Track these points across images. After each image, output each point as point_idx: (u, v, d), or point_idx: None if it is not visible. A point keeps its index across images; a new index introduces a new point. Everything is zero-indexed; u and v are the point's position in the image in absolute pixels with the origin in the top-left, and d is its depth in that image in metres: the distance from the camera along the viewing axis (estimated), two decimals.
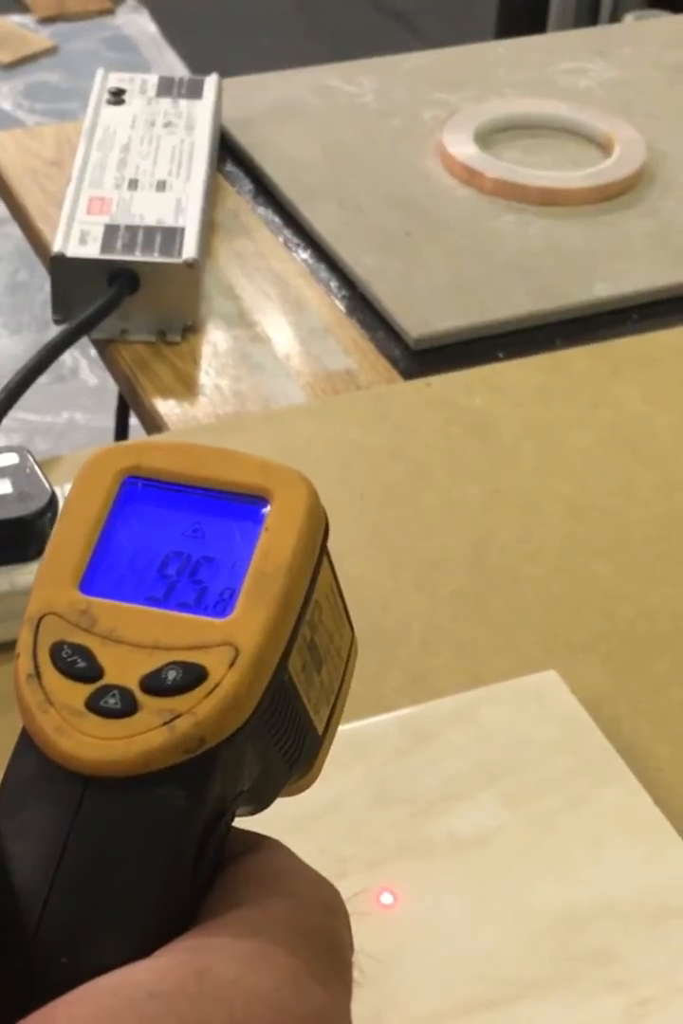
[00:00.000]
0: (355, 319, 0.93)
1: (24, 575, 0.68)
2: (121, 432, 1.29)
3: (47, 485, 0.69)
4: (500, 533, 0.77)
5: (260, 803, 0.33)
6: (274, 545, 0.32)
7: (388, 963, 0.55)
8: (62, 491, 0.71)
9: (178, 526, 0.32)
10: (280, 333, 0.92)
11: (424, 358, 0.90)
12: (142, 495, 0.33)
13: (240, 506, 0.32)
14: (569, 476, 0.81)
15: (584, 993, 0.56)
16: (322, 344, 0.91)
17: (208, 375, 0.88)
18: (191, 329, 0.90)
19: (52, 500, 0.69)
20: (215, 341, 0.91)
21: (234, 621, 0.31)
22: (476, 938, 0.58)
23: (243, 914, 0.29)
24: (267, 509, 0.32)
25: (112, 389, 2.26)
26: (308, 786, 0.35)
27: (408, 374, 0.89)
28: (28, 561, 0.68)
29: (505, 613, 0.72)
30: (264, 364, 0.89)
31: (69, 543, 0.32)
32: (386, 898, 0.58)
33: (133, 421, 1.28)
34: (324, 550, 0.33)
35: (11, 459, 0.70)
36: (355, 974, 0.30)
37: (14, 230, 2.81)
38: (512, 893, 0.59)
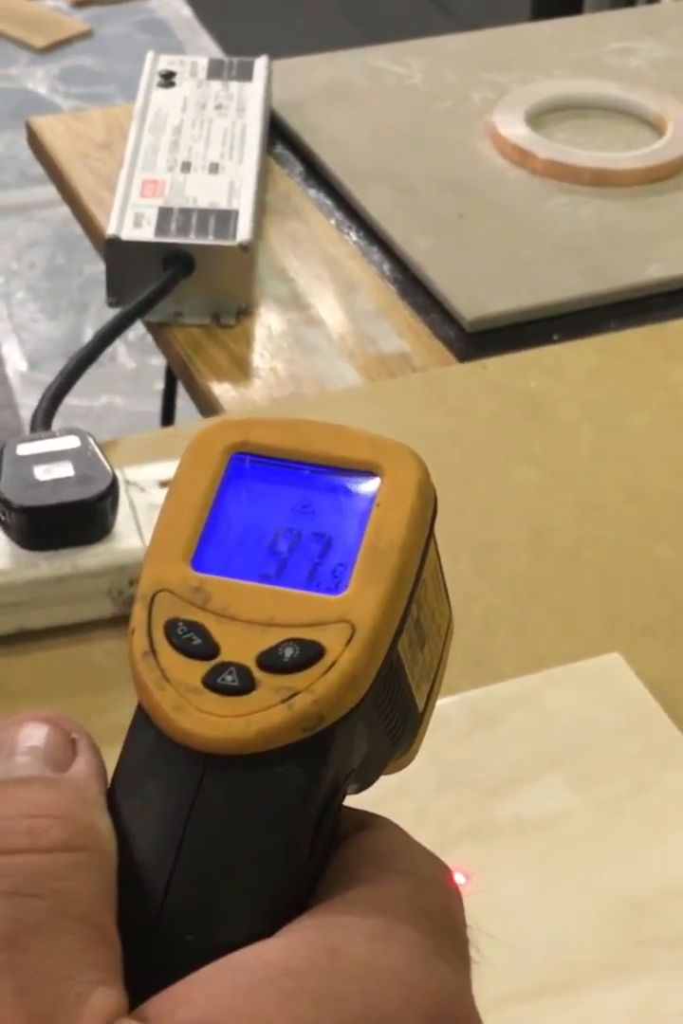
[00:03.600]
0: (408, 301, 0.93)
1: (87, 558, 0.68)
2: (167, 416, 1.30)
3: (108, 468, 0.69)
4: (559, 516, 0.77)
5: (365, 781, 0.33)
6: (386, 521, 0.31)
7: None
8: (122, 474, 0.71)
9: (287, 502, 0.32)
10: (334, 315, 0.92)
11: (478, 340, 0.90)
12: (250, 471, 0.32)
13: (350, 481, 0.32)
14: (627, 458, 0.81)
15: (655, 977, 0.56)
16: (376, 326, 0.91)
17: (263, 358, 0.88)
18: (245, 312, 0.90)
19: (113, 483, 0.69)
20: (269, 324, 0.90)
21: (349, 598, 0.30)
22: (545, 921, 0.58)
23: (365, 892, 0.29)
24: (377, 485, 0.32)
25: (150, 373, 2.27)
26: (407, 764, 0.35)
27: (462, 356, 0.89)
28: (90, 544, 0.68)
29: (566, 596, 0.72)
30: (318, 346, 0.89)
31: (179, 520, 0.32)
32: (458, 878, 0.58)
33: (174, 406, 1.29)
34: (433, 527, 0.32)
35: (72, 442, 0.70)
36: (472, 953, 0.30)
37: (51, 214, 2.82)
38: (580, 877, 0.59)
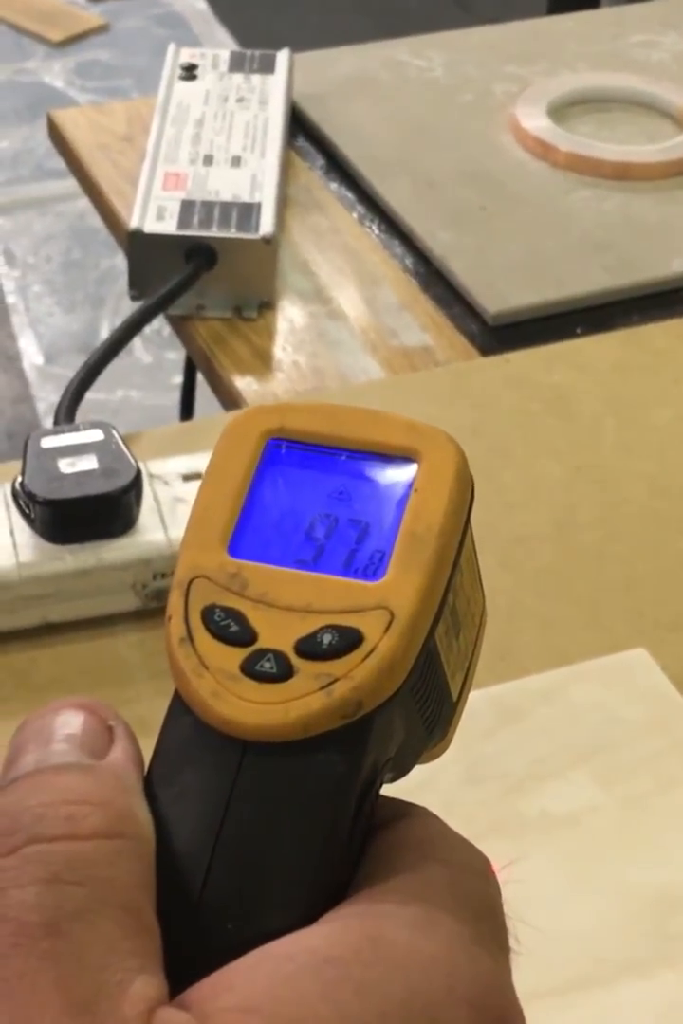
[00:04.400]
0: (430, 295, 0.93)
1: (111, 551, 0.68)
2: (186, 410, 1.29)
3: (133, 461, 0.69)
4: (583, 510, 0.76)
5: (401, 770, 0.33)
6: (424, 507, 0.31)
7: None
8: (146, 467, 0.71)
9: (324, 488, 0.32)
10: (356, 309, 0.91)
11: (501, 334, 0.90)
12: (286, 457, 0.32)
13: (387, 467, 0.32)
14: (651, 453, 0.80)
15: (682, 972, 0.56)
16: (398, 320, 0.90)
17: (285, 351, 0.88)
18: (267, 305, 0.90)
19: (138, 476, 0.69)
20: (291, 317, 0.90)
21: (387, 584, 0.30)
22: (572, 917, 0.57)
23: (404, 881, 0.29)
24: (415, 470, 0.31)
25: (166, 367, 2.27)
26: (441, 753, 0.35)
27: (485, 350, 0.88)
28: (114, 537, 0.68)
29: (590, 591, 0.72)
30: (341, 340, 0.89)
31: (215, 507, 0.31)
32: None
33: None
34: (470, 513, 0.32)
35: (96, 435, 0.70)
36: (512, 942, 0.30)
37: (67, 208, 2.82)
38: (607, 872, 0.59)
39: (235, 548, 0.31)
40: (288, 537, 0.31)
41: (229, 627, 0.30)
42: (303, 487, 0.32)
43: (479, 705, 0.65)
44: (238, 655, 0.30)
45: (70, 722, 0.30)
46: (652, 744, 0.63)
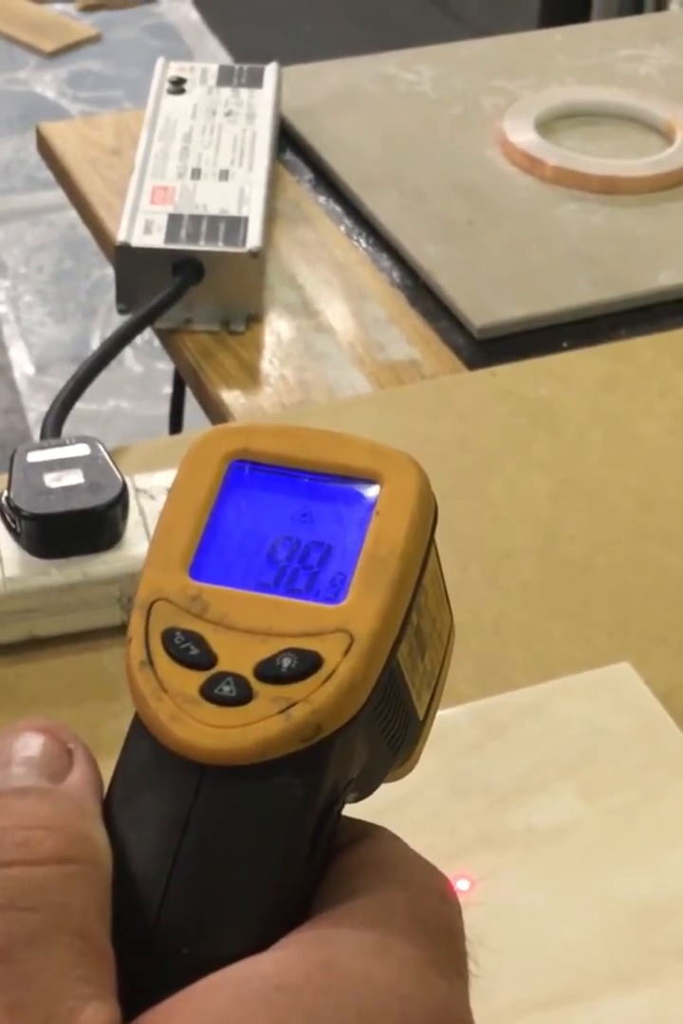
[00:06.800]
0: (418, 308, 0.93)
1: (97, 565, 0.68)
2: (175, 422, 1.30)
3: (119, 475, 0.69)
4: (569, 524, 0.77)
5: (364, 790, 0.33)
6: (386, 529, 0.31)
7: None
8: (132, 481, 0.71)
9: (286, 510, 0.32)
10: (343, 322, 0.92)
11: (488, 348, 0.90)
12: (249, 479, 0.32)
13: (349, 489, 0.32)
14: (637, 466, 0.80)
15: (666, 986, 0.56)
16: (386, 333, 0.91)
17: (272, 365, 0.88)
18: (254, 319, 0.90)
19: (123, 491, 0.69)
20: (279, 330, 0.90)
21: (348, 607, 0.30)
22: (557, 930, 0.57)
23: (362, 904, 0.29)
24: (378, 493, 0.31)
25: (158, 377, 2.27)
26: (408, 772, 0.35)
27: (472, 364, 0.89)
28: (100, 551, 0.68)
29: (576, 604, 0.72)
30: (328, 353, 0.89)
31: (177, 528, 0.31)
32: (462, 884, 0.58)
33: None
34: (433, 534, 0.32)
35: (82, 450, 0.70)
36: (471, 966, 0.30)
37: (59, 218, 2.82)
38: (592, 885, 0.59)
39: (197, 570, 0.31)
40: (250, 559, 0.31)
41: (189, 650, 0.30)
42: (265, 509, 0.32)
43: (464, 719, 0.65)
44: (198, 678, 0.30)
45: (29, 744, 0.30)
46: (637, 757, 0.63)
